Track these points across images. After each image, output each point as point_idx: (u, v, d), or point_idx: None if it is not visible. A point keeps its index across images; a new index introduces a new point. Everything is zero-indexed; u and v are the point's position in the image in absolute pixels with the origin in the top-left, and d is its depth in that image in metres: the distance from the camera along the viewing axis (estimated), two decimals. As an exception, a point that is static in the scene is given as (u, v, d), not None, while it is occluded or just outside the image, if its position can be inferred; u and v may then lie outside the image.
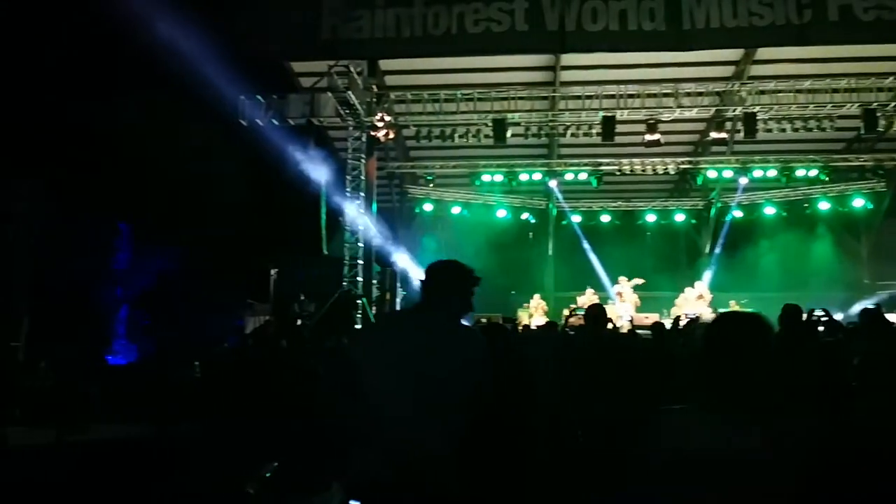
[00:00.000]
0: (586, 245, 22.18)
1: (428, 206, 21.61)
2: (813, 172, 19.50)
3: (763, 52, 16.14)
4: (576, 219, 22.46)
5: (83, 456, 8.22)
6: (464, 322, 3.07)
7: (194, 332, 13.22)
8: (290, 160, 16.33)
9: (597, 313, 5.50)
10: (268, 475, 4.49)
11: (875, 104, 15.92)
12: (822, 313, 6.89)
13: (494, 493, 3.18)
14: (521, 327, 14.47)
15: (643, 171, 19.58)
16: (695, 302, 17.95)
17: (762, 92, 16.48)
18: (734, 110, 16.76)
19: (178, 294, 14.68)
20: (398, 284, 17.91)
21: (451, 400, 2.62)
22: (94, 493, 6.05)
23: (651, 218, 22.52)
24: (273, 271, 15.81)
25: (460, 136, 17.18)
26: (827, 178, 19.83)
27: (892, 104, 16.00)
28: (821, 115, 16.40)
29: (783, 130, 16.76)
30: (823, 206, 21.16)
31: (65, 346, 12.35)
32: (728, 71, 17.18)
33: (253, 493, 4.50)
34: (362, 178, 16.94)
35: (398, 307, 18.10)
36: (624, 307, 17.77)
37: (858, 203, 20.95)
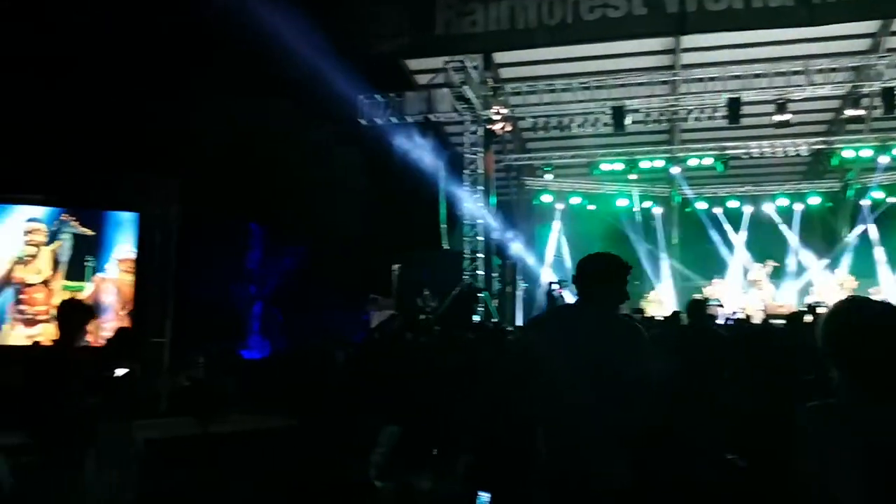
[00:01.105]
0: (713, 232, 21.43)
1: (546, 198, 21.45)
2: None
3: (902, 22, 15.10)
4: (701, 205, 21.72)
5: (225, 444, 8.66)
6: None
7: (324, 327, 13.70)
8: (409, 157, 16.62)
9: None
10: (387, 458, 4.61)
11: None
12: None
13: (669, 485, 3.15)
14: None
15: (773, 153, 18.72)
16: (835, 290, 17.02)
17: (902, 64, 15.46)
18: (871, 85, 15.77)
19: (307, 290, 15.24)
20: (518, 277, 17.88)
21: (629, 391, 2.63)
22: (236, 478, 6.38)
23: (782, 202, 21.46)
24: (395, 266, 16.12)
25: (578, 126, 16.95)
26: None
27: None
28: (969, 86, 15.21)
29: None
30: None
31: (204, 343, 13.07)
32: (863, 44, 16.16)
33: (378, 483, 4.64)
34: (480, 171, 17.02)
35: (520, 300, 18.12)
36: (758, 296, 17.09)
37: None
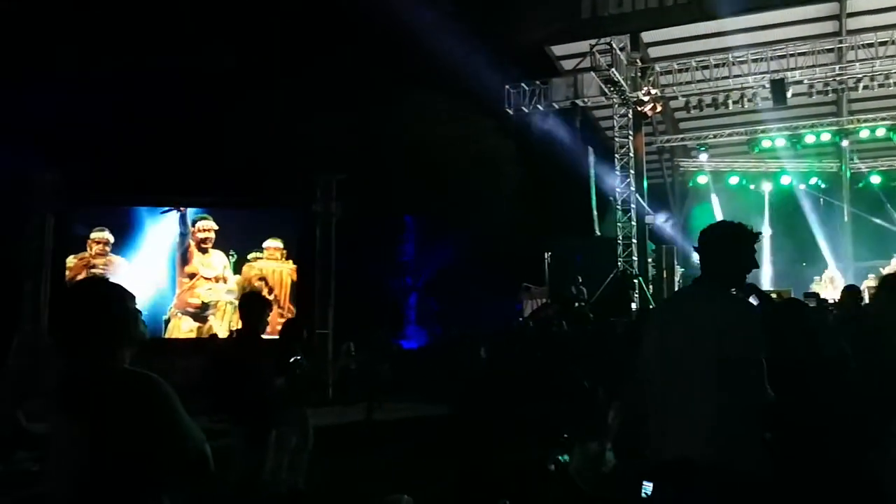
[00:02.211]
0: (889, 208, 19.89)
1: (703, 179, 20.72)
2: None
3: None
4: (875, 179, 20.21)
5: (382, 430, 9.01)
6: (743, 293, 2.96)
7: (477, 316, 13.92)
8: (558, 144, 16.53)
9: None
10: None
11: None
12: None
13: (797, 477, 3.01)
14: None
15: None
16: None
17: None
18: None
19: (461, 280, 15.53)
20: (676, 262, 17.37)
21: (740, 378, 2.54)
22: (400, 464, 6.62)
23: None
24: (547, 255, 16.09)
25: (734, 102, 16.23)
26: None
27: None
28: None
29: None
30: None
31: (365, 333, 13.64)
32: None
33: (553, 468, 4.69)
34: (631, 155, 16.64)
35: (677, 285, 17.63)
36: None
37: None
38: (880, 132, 17.59)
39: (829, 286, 16.59)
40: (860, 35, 15.38)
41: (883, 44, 14.97)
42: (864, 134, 17.90)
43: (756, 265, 2.88)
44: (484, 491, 5.02)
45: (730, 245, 2.86)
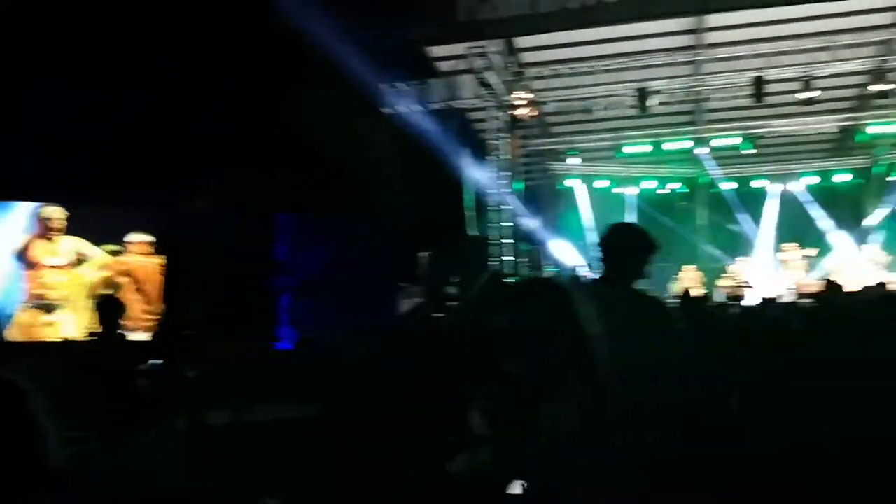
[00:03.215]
0: (740, 213, 21.35)
1: (572, 182, 21.48)
2: None
3: (929, -7, 14.91)
4: (728, 185, 21.62)
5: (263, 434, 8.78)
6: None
7: (355, 316, 13.84)
8: (435, 145, 16.71)
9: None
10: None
11: None
12: None
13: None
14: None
15: (799, 131, 18.59)
16: (866, 266, 16.93)
17: (930, 37, 15.25)
18: (898, 59, 15.62)
19: (338, 281, 15.40)
20: (545, 262, 17.95)
21: (658, 370, 2.64)
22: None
23: (810, 180, 21.32)
24: (423, 254, 16.23)
25: (602, 109, 16.96)
26: None
27: None
28: None
29: (957, 76, 15.46)
30: None
31: (234, 334, 13.27)
32: (890, 17, 15.95)
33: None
34: (505, 157, 17.06)
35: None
36: (789, 275, 17.04)
37: None
38: (734, 141, 18.84)
39: (688, 284, 17.59)
40: (716, 49, 16.39)
41: (736, 58, 16.02)
42: (719, 142, 19.10)
43: (647, 274, 2.99)
44: (360, 495, 4.98)
45: (638, 250, 2.96)
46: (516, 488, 2.72)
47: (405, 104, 16.32)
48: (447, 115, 16.94)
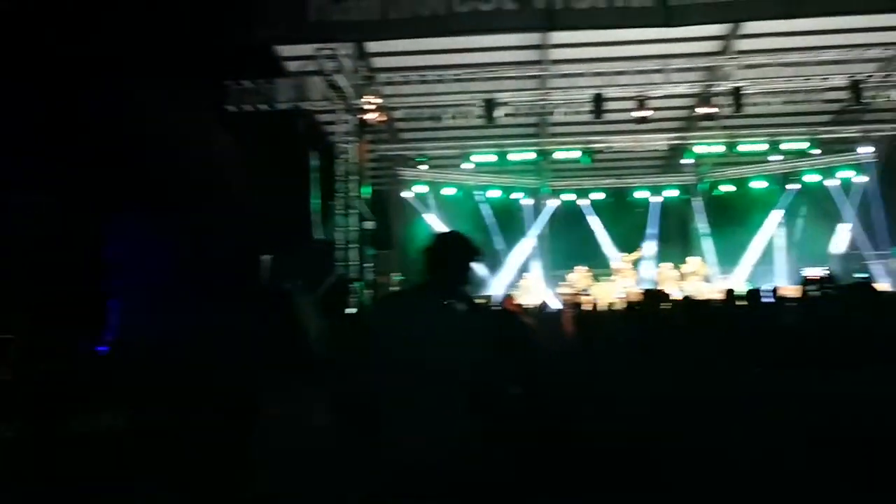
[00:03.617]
0: (578, 223, 22.29)
1: (420, 188, 21.64)
2: (800, 145, 19.65)
3: (749, 27, 16.14)
4: (568, 197, 22.55)
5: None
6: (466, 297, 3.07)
7: (191, 320, 13.22)
8: (280, 145, 16.32)
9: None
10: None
11: (861, 75, 15.99)
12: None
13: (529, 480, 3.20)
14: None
15: (633, 147, 19.65)
16: (689, 276, 18.12)
17: (749, 66, 16.50)
18: (722, 85, 16.80)
19: (171, 283, 14.69)
20: (393, 267, 17.95)
21: (464, 382, 2.63)
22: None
23: (643, 194, 22.61)
24: (265, 257, 15.80)
25: (451, 118, 17.20)
26: (815, 151, 19.98)
27: (881, 75, 16.07)
28: (807, 88, 16.48)
29: (770, 104, 16.82)
30: (812, 178, 21.27)
31: (59, 338, 12.37)
32: (716, 46, 17.19)
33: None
34: (353, 161, 16.94)
35: (393, 291, 18.21)
36: (622, 284, 17.95)
37: (845, 175, 21.08)
38: (574, 154, 19.67)
39: (526, 293, 18.17)
40: (560, 66, 17.03)
41: (578, 75, 16.72)
42: (560, 155, 19.87)
43: (470, 283, 3.00)
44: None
45: (459, 255, 2.95)
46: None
47: (251, 102, 15.84)
48: (295, 116, 16.59)
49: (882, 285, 14.53)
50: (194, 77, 14.31)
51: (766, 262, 21.07)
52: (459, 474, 2.57)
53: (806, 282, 7.60)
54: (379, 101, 16.58)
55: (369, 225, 17.34)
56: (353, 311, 14.69)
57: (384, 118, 17.34)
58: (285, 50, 16.74)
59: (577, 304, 15.24)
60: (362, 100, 16.47)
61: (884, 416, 2.81)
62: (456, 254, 2.95)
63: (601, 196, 22.54)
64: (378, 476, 2.72)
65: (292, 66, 16.78)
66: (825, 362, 3.65)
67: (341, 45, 15.67)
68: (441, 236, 3.06)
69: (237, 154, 16.57)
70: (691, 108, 19.14)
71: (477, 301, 4.40)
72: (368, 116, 16.65)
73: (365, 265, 17.07)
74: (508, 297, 13.89)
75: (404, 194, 21.85)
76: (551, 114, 17.68)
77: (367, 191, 17.50)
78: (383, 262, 17.86)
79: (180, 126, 14.64)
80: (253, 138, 16.24)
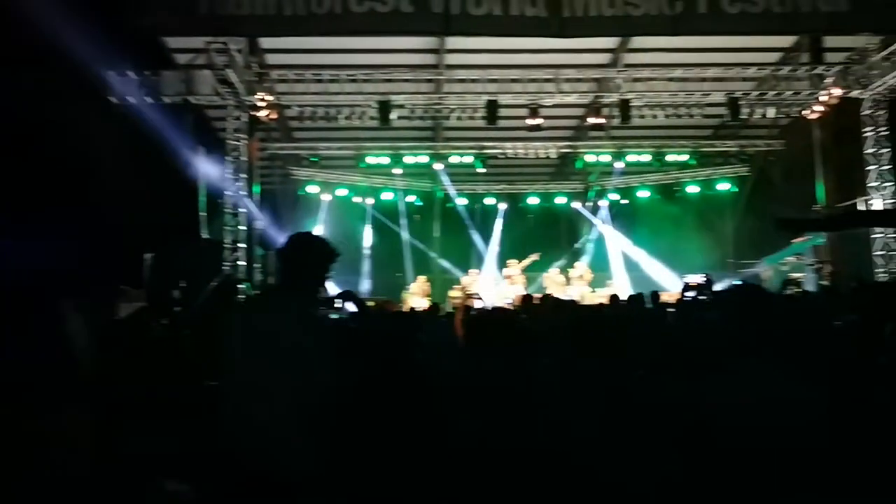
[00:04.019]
0: (471, 227, 22.52)
1: (313, 188, 21.33)
2: (683, 157, 20.58)
3: (637, 41, 16.73)
4: (461, 201, 22.74)
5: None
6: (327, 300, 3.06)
7: (63, 322, 12.50)
8: (166, 140, 15.72)
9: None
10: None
11: (739, 93, 16.82)
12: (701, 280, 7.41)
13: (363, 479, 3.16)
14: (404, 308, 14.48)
15: (526, 154, 20.00)
16: (575, 281, 18.57)
17: (637, 79, 17.09)
18: (611, 96, 17.32)
19: (46, 283, 13.86)
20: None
21: (297, 387, 2.62)
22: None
23: (534, 201, 23.07)
24: (148, 256, 15.18)
25: (345, 118, 17.02)
26: (695, 163, 20.96)
27: (755, 93, 16.95)
28: (690, 103, 17.20)
29: (656, 117, 17.46)
30: (692, 189, 22.29)
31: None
32: (606, 58, 17.72)
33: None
34: (243, 159, 16.50)
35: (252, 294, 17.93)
36: (513, 289, 18.20)
37: (724, 187, 22.22)
38: (467, 159, 19.87)
39: (417, 296, 18.17)
40: (455, 71, 17.14)
41: (473, 81, 16.87)
42: (454, 159, 20.05)
43: (324, 287, 3.01)
44: None
45: (316, 258, 2.92)
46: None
47: (136, 94, 15.17)
48: (183, 111, 16.01)
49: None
50: (73, 66, 13.58)
51: (649, 269, 21.89)
52: (295, 481, 2.55)
53: (686, 287, 7.92)
54: (271, 98, 16.21)
55: (259, 225, 16.92)
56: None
57: (276, 116, 16.99)
58: (174, 41, 16.16)
59: (468, 308, 15.34)
60: (254, 96, 16.05)
61: (749, 413, 2.92)
62: (311, 257, 2.92)
63: (492, 201, 22.87)
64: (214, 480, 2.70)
65: (181, 58, 16.21)
66: (698, 363, 3.79)
67: (233, 39, 15.23)
68: (296, 238, 3.02)
69: (119, 148, 15.82)
70: (581, 117, 19.70)
71: (339, 304, 4.35)
72: (260, 114, 16.25)
73: (254, 266, 16.66)
74: (388, 301, 13.89)
75: (296, 194, 21.51)
76: (447, 118, 17.76)
77: (257, 189, 17.07)
78: (272, 263, 17.46)
79: (57, 117, 13.86)
80: (137, 132, 15.58)
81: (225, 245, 15.98)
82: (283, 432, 2.56)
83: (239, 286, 15.40)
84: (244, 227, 16.26)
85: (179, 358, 7.23)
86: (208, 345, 7.50)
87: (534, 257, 19.15)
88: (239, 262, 15.97)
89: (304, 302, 2.81)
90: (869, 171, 17.05)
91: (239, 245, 16.12)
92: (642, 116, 17.43)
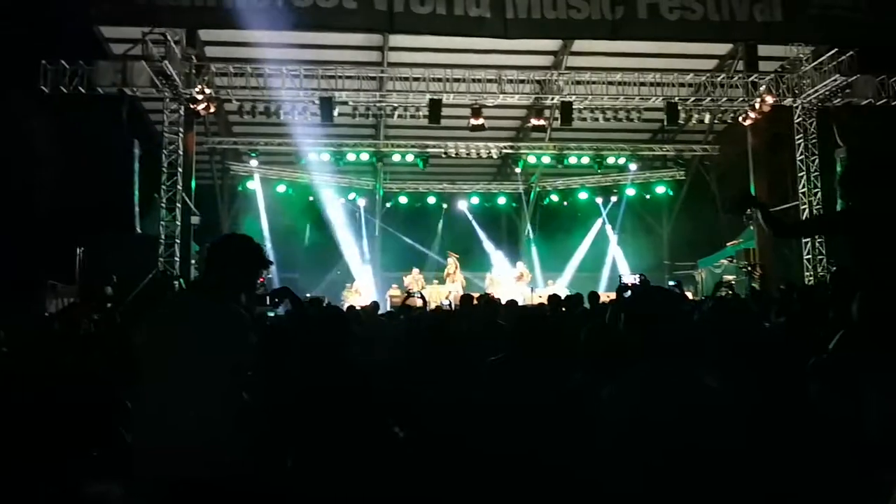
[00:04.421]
0: (412, 226, 22.50)
1: (252, 184, 21.02)
2: (622, 160, 20.93)
3: (579, 45, 16.96)
4: (402, 200, 22.71)
5: None
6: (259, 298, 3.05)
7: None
8: (101, 132, 15.28)
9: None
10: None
11: (677, 98, 17.15)
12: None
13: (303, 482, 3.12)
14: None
15: (468, 154, 20.05)
16: (515, 282, 18.70)
17: (578, 82, 17.26)
18: (552, 98, 17.47)
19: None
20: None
21: (220, 385, 2.58)
22: None
23: (475, 200, 23.16)
24: (80, 250, 14.74)
25: (286, 113, 16.79)
26: (634, 166, 21.32)
27: (692, 99, 17.31)
28: (629, 107, 17.46)
29: (596, 120, 17.67)
30: (631, 192, 22.68)
31: None
32: (548, 60, 17.90)
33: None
34: (180, 152, 16.12)
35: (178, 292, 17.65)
36: (454, 286, 18.25)
37: (660, 190, 22.67)
38: (409, 158, 19.84)
39: (357, 295, 18.08)
40: (398, 69, 17.07)
41: (416, 80, 16.81)
42: (396, 158, 20.00)
43: (252, 288, 3.00)
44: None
45: (246, 259, 2.88)
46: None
47: (69, 85, 14.68)
48: (119, 103, 15.54)
49: (689, 293, 15.64)
50: (9, 54, 13.13)
51: (589, 269, 22.21)
52: (216, 484, 2.51)
53: (622, 287, 8.05)
54: (209, 91, 15.87)
55: (195, 220, 16.55)
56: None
57: (214, 110, 16.66)
58: (110, 31, 15.72)
59: (407, 307, 15.35)
60: (192, 89, 15.69)
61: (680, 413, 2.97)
62: (238, 258, 2.88)
63: (434, 200, 22.89)
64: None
65: (117, 48, 15.77)
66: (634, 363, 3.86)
67: (171, 30, 14.88)
68: (226, 239, 2.98)
69: (52, 138, 15.35)
70: (524, 119, 19.84)
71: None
72: (198, 107, 15.89)
73: (190, 262, 16.30)
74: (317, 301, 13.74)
75: (235, 190, 21.18)
76: (389, 116, 17.67)
77: (193, 184, 16.69)
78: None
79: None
80: (71, 123, 15.12)
81: (160, 240, 15.60)
82: (203, 431, 2.50)
83: (173, 282, 15.10)
84: (179, 223, 15.89)
85: (109, 354, 7.04)
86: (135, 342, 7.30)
87: (454, 257, 19.11)
88: (174, 258, 15.60)
89: (228, 301, 2.75)
90: (800, 176, 17.57)
91: (175, 240, 15.74)
92: (583, 119, 17.62)
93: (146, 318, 2.83)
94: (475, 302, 10.23)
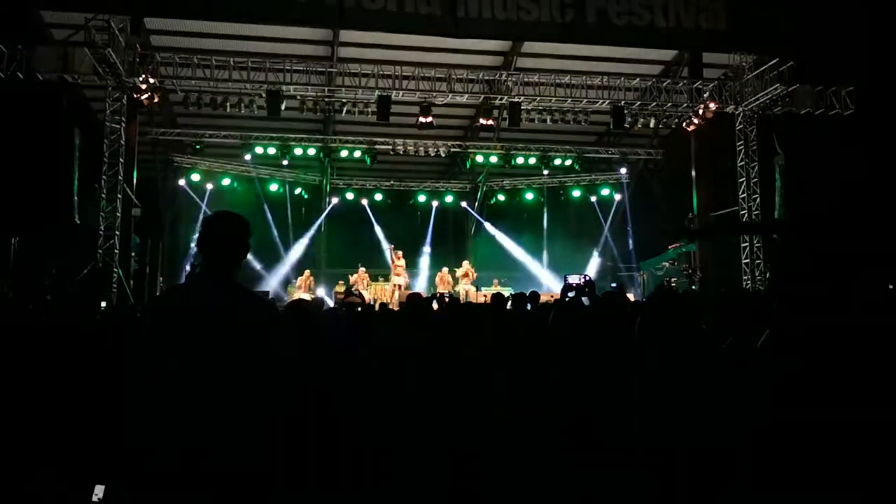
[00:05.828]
0: (359, 223, 22.41)
1: (195, 177, 20.68)
2: (568, 162, 21.18)
3: (529, 46, 17.12)
4: (349, 196, 22.61)
5: None
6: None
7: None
8: (37, 119, 14.85)
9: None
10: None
11: (623, 102, 17.42)
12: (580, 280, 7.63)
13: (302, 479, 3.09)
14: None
15: (416, 152, 20.05)
16: (460, 279, 18.77)
17: (527, 84, 17.40)
18: (501, 99, 17.58)
19: None
20: (161, 257, 16.97)
21: (238, 375, 2.50)
22: None
23: (423, 198, 23.19)
24: (14, 240, 14.31)
25: (232, 106, 16.54)
26: (579, 168, 21.60)
27: (638, 103, 17.61)
28: (577, 109, 17.67)
29: (544, 121, 17.85)
30: (576, 193, 22.99)
31: None
32: (497, 61, 18.02)
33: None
34: (122, 142, 15.75)
35: (160, 281, 17.34)
36: (398, 280, 18.27)
37: (605, 192, 23.03)
38: (357, 154, 19.76)
39: (302, 292, 17.95)
40: (348, 64, 16.98)
41: (366, 76, 16.75)
42: (344, 153, 19.91)
43: (238, 265, 2.87)
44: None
45: (243, 238, 2.80)
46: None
47: (6, 69, 14.22)
48: (58, 90, 15.12)
49: (631, 295, 15.92)
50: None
51: (533, 270, 22.45)
52: (212, 472, 2.44)
53: (567, 287, 8.15)
54: (154, 81, 15.56)
55: (136, 212, 16.20)
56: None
57: (159, 100, 16.34)
58: (50, 16, 15.30)
59: (351, 304, 15.29)
60: (136, 78, 15.36)
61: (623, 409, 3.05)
62: (237, 236, 2.77)
63: (381, 197, 22.85)
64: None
65: (58, 34, 15.35)
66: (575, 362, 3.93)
67: (115, 17, 14.52)
68: (238, 217, 2.84)
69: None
70: (472, 118, 19.93)
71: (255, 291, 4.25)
72: (141, 97, 15.57)
73: (130, 254, 15.96)
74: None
75: (177, 182, 20.81)
76: (338, 111, 17.54)
77: (135, 175, 16.33)
78: (149, 252, 16.83)
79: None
80: (8, 109, 14.64)
81: (99, 231, 15.23)
82: (223, 433, 2.42)
83: (113, 273, 14.79)
84: (119, 214, 15.52)
85: (47, 345, 6.86)
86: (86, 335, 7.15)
87: (398, 253, 19.07)
88: (114, 250, 15.22)
89: (226, 282, 2.67)
90: (740, 182, 18.02)
91: (115, 232, 15.37)
92: (531, 120, 17.77)
93: (150, 308, 2.72)
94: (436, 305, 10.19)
